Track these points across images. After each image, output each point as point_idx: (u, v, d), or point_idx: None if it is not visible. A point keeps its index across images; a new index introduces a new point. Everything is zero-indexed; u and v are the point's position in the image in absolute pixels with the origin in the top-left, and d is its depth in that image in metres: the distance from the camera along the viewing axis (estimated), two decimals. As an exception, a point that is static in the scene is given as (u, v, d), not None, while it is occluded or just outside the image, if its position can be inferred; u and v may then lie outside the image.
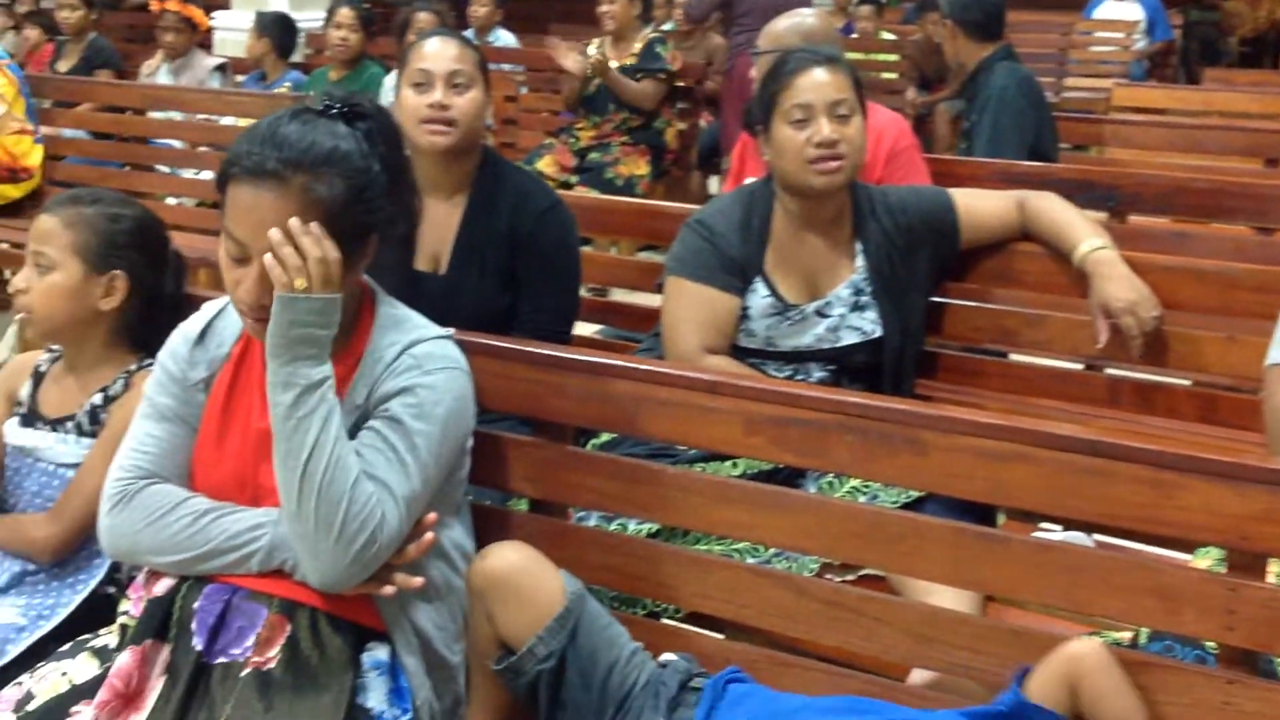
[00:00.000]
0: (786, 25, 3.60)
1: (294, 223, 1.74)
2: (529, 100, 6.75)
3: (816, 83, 2.59)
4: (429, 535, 1.85)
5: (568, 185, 5.89)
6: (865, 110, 2.65)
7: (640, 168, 6.22)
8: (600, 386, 2.04)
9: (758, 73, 3.60)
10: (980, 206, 2.76)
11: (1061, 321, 2.72)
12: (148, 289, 2.27)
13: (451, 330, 1.99)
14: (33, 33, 7.97)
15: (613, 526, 2.34)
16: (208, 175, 5.66)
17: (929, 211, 2.73)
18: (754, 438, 1.92)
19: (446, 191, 2.72)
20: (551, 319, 2.75)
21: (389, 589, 1.83)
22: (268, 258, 1.74)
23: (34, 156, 5.45)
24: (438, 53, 2.69)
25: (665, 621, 2.16)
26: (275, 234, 1.73)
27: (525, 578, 1.93)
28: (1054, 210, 2.71)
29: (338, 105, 1.87)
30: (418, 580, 1.85)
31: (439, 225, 2.70)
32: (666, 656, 1.93)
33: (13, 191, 5.41)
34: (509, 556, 1.95)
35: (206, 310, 2.03)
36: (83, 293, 2.21)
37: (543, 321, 2.72)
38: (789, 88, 2.61)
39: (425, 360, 1.89)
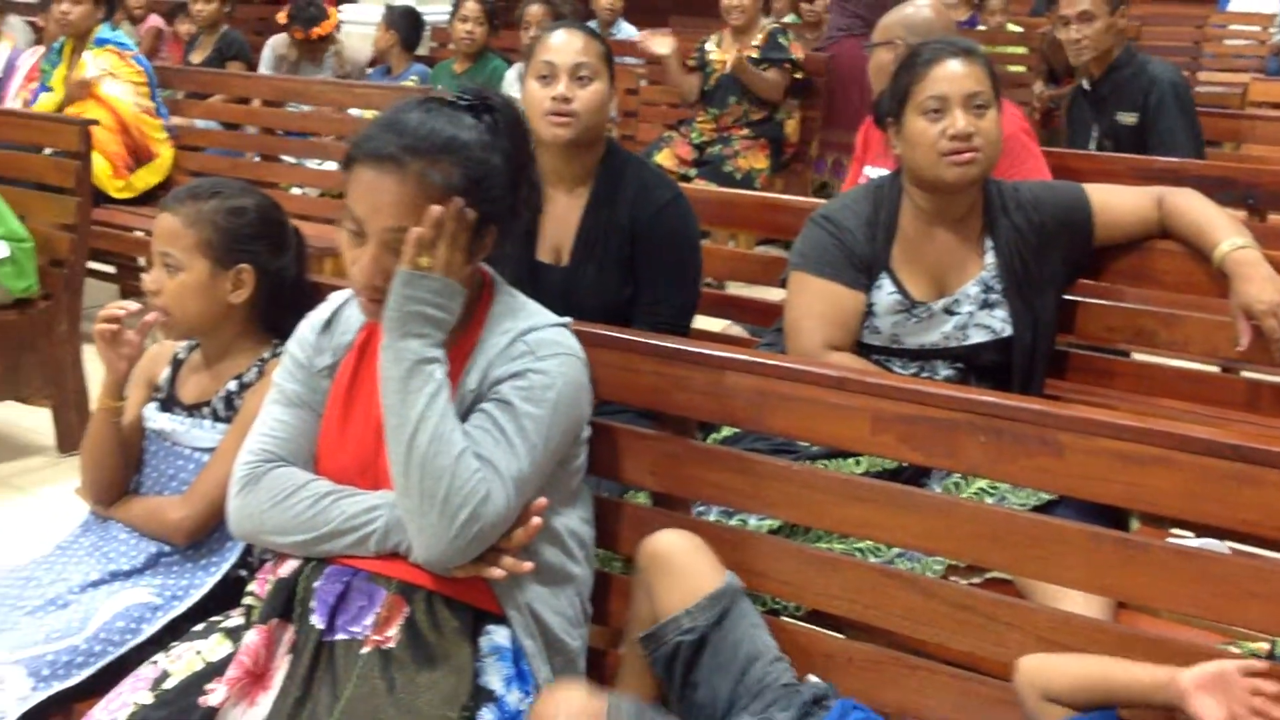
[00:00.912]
0: (898, 18, 3.54)
1: (434, 209, 1.79)
2: (649, 93, 6.74)
3: (952, 74, 2.54)
4: (536, 520, 1.86)
5: (686, 178, 5.88)
6: (1000, 103, 2.59)
7: (759, 161, 6.20)
8: (724, 381, 2.03)
9: (874, 65, 3.56)
10: (1116, 203, 2.68)
11: (1199, 322, 2.64)
12: (273, 276, 2.30)
13: (568, 319, 2.00)
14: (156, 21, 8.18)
15: (732, 522, 2.33)
16: (332, 166, 5.76)
17: (1063, 208, 2.66)
18: (882, 435, 1.89)
19: (569, 183, 2.73)
20: (671, 312, 2.74)
21: (498, 572, 1.84)
22: (412, 231, 1.79)
23: (163, 142, 5.60)
24: (562, 45, 2.70)
25: (785, 619, 2.14)
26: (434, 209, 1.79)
27: (687, 558, 1.95)
28: (1194, 207, 2.63)
29: (466, 98, 1.91)
30: (527, 565, 1.86)
31: (561, 217, 2.72)
32: (809, 677, 1.93)
33: (147, 176, 5.56)
34: (675, 538, 1.98)
35: (333, 299, 2.07)
36: (212, 289, 2.24)
37: (662, 314, 2.72)
38: (924, 79, 2.56)
39: (538, 346, 1.90)
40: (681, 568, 1.94)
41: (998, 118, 2.57)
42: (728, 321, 3.53)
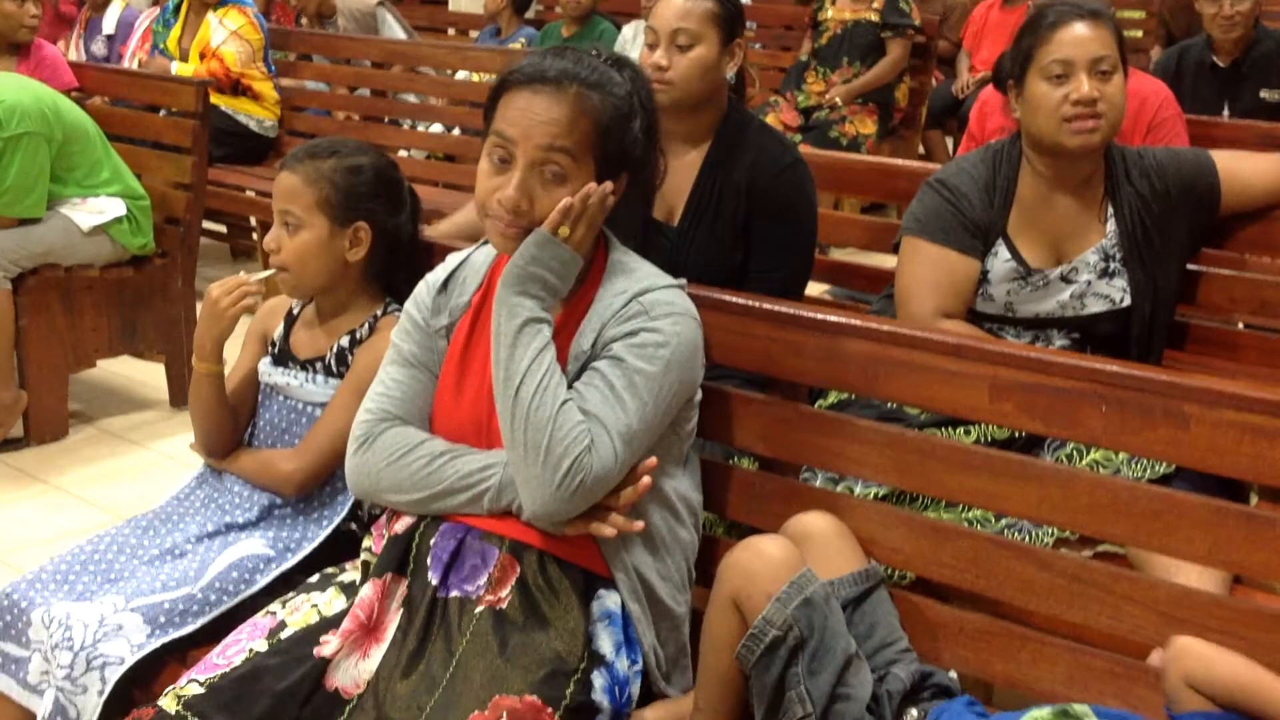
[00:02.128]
0: None
1: (592, 185, 1.84)
2: (756, 57, 6.68)
3: (1078, 37, 2.47)
4: (645, 480, 1.85)
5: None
6: (1126, 69, 2.52)
7: (867, 126, 6.12)
8: (839, 346, 2.00)
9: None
10: (1245, 170, 2.60)
11: (1329, 294, 2.56)
12: (389, 234, 2.32)
13: (683, 280, 1.99)
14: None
15: (839, 489, 2.31)
16: (439, 129, 5.80)
17: (1189, 175, 2.59)
18: (1001, 404, 1.85)
19: (684, 144, 2.69)
20: (785, 278, 2.71)
21: (608, 529, 1.83)
22: (565, 201, 1.83)
23: (269, 91, 5.69)
24: (661, 9, 2.68)
25: (892, 587, 2.11)
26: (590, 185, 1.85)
27: (837, 539, 1.95)
28: (1328, 176, 2.54)
29: (604, 53, 1.95)
30: (638, 524, 1.86)
31: (675, 176, 2.68)
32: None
33: (255, 108, 5.65)
34: (822, 520, 1.98)
35: (450, 260, 2.07)
36: (331, 247, 2.26)
37: (776, 280, 2.69)
38: (1048, 42, 2.50)
39: (653, 307, 1.89)
40: (828, 550, 1.92)
41: (1123, 83, 2.50)
42: (825, 286, 3.49)
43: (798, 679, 1.75)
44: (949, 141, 6.97)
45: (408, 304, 2.06)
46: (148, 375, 4.59)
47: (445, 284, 2.04)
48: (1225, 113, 4.36)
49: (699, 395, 2.00)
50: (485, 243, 2.07)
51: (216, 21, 5.59)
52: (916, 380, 1.93)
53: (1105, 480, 1.86)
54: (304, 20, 6.84)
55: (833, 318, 2.03)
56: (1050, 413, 1.82)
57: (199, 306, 4.43)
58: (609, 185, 1.87)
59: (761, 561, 1.83)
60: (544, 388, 1.80)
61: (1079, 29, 2.48)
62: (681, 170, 2.68)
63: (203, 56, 5.58)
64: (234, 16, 5.60)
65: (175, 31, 5.74)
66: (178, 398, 4.45)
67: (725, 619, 1.85)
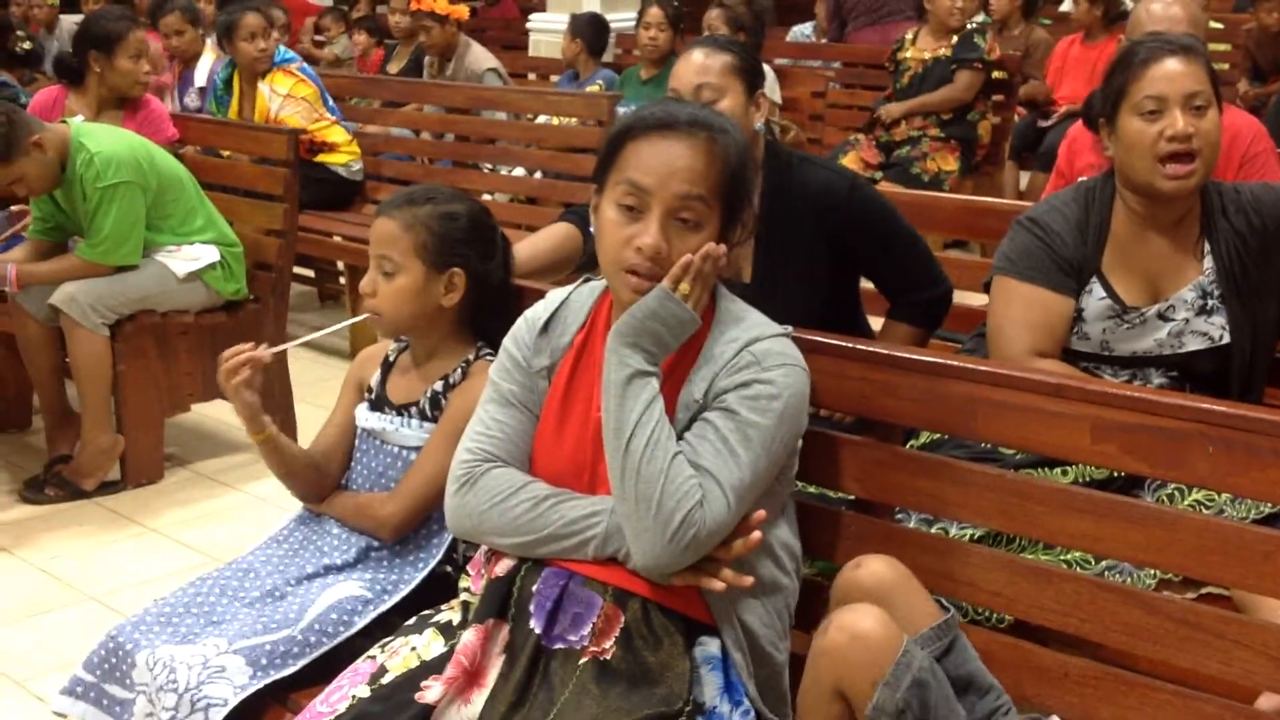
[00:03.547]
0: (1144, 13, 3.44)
1: (711, 246, 1.85)
2: (836, 96, 6.69)
3: (1171, 73, 2.45)
4: (756, 534, 1.84)
5: (873, 181, 5.81)
6: (1221, 104, 2.49)
7: (949, 163, 6.09)
8: (936, 387, 1.99)
9: None
10: (1345, 204, 2.56)
11: None
12: (482, 279, 2.34)
13: (790, 328, 1.98)
14: (361, 38, 8.43)
15: (933, 530, 2.29)
16: (521, 172, 5.86)
17: (1286, 209, 2.55)
18: (1103, 445, 1.82)
19: None
20: (927, 282, 2.77)
21: (718, 584, 1.82)
22: (687, 257, 1.83)
23: (340, 135, 5.76)
24: (681, 68, 2.68)
25: (993, 632, 2.08)
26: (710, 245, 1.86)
27: (905, 590, 1.90)
28: None
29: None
30: (748, 579, 1.84)
31: None
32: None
33: (336, 157, 5.75)
34: (887, 567, 1.92)
35: (552, 299, 2.08)
36: (427, 292, 2.29)
37: (922, 288, 2.76)
38: (1141, 78, 2.47)
39: (765, 357, 1.88)
40: (900, 598, 1.88)
41: (1218, 119, 2.47)
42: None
43: None
44: (1024, 176, 6.92)
45: (506, 342, 2.07)
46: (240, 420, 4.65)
47: (547, 324, 2.04)
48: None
49: (800, 442, 2.00)
50: (585, 281, 2.08)
51: (269, 90, 5.68)
52: (1017, 421, 1.91)
53: (1212, 522, 1.83)
54: (429, 59, 6.92)
55: (931, 358, 2.02)
56: (1154, 454, 1.79)
57: (295, 351, 4.55)
58: (724, 248, 1.88)
59: (861, 646, 1.77)
60: (655, 441, 1.80)
61: (1171, 64, 2.46)
62: None
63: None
64: (280, 80, 5.68)
65: (234, 106, 5.84)
66: (269, 441, 4.51)
67: (828, 710, 1.81)
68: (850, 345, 2.07)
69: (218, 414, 4.69)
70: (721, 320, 1.94)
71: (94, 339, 3.96)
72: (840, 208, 2.67)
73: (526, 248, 2.80)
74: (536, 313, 2.06)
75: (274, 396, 4.46)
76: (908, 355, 2.03)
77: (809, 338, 2.05)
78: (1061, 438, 1.88)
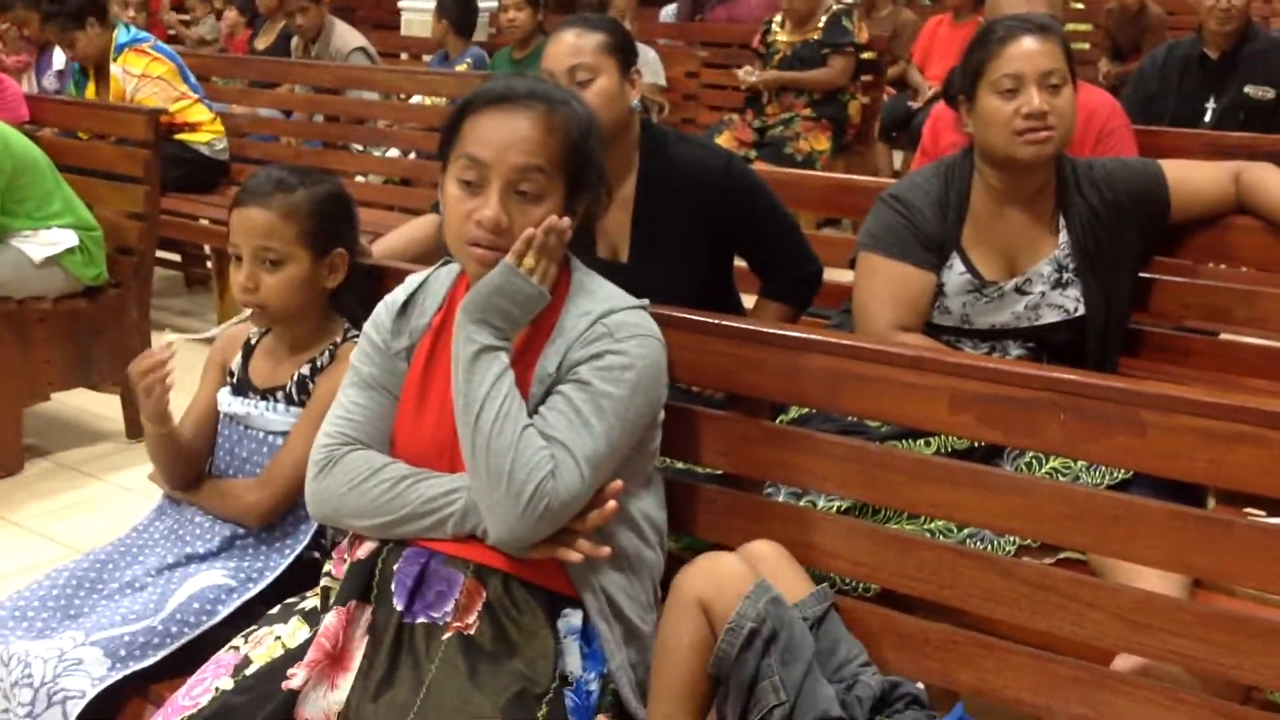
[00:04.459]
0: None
1: (554, 219, 1.84)
2: (709, 75, 6.72)
3: (1027, 51, 2.50)
4: (611, 504, 1.85)
5: (748, 160, 5.86)
6: (1075, 81, 2.55)
7: (821, 143, 6.16)
8: (799, 361, 2.01)
9: None
10: (1193, 178, 2.64)
11: (1278, 298, 2.59)
12: (355, 256, 2.32)
13: (645, 301, 1.99)
14: (231, 14, 8.25)
15: (801, 503, 2.31)
16: (394, 153, 5.79)
17: (1138, 184, 2.62)
18: (960, 415, 1.86)
19: (612, 177, 2.67)
20: (798, 261, 2.80)
21: (574, 555, 1.83)
22: (529, 231, 1.82)
23: (202, 113, 5.63)
24: (552, 50, 2.66)
25: (856, 600, 2.12)
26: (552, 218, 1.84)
27: (786, 566, 1.97)
28: (1274, 182, 2.58)
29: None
30: (605, 549, 1.85)
31: (612, 212, 2.66)
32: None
33: (200, 135, 5.61)
34: (770, 549, 2.00)
35: (410, 281, 2.06)
36: (314, 277, 2.25)
37: (793, 267, 2.78)
38: (998, 56, 2.52)
39: (618, 329, 1.89)
40: (779, 575, 1.92)
41: (1073, 96, 2.53)
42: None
43: (771, 669, 1.78)
44: (897, 156, 7.03)
45: (366, 326, 2.05)
46: (103, 407, 4.54)
47: (405, 306, 2.02)
48: (1210, 104, 4.42)
49: (662, 415, 2.00)
50: (444, 264, 2.07)
51: (122, 72, 5.50)
52: (877, 394, 1.94)
53: (1065, 488, 1.87)
54: (295, 40, 6.77)
55: (793, 333, 2.05)
56: (1009, 423, 1.83)
57: (154, 337, 4.45)
58: (568, 220, 1.87)
59: (726, 567, 1.89)
60: (504, 414, 1.80)
61: (1028, 43, 2.51)
62: (616, 205, 2.66)
63: None
64: (133, 61, 5.50)
65: (90, 89, 5.67)
66: (133, 429, 4.41)
67: (689, 620, 1.87)
68: (714, 321, 2.08)
69: (79, 403, 4.57)
70: (575, 293, 1.94)
71: (-53, 327, 3.84)
72: (716, 186, 2.68)
73: (398, 239, 2.77)
74: (395, 296, 2.05)
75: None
76: (770, 330, 2.05)
77: (673, 314, 2.05)
78: (920, 409, 1.91)
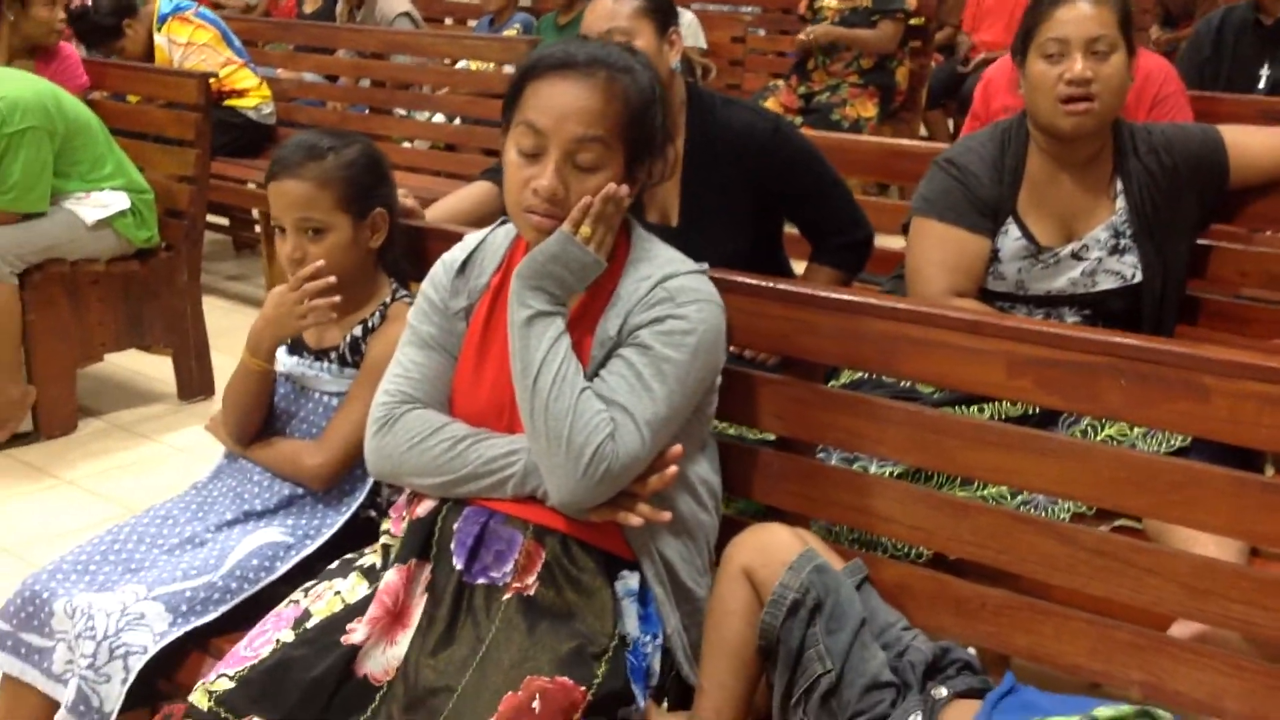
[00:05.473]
0: None
1: (611, 187, 1.83)
2: (756, 41, 6.67)
3: (1077, 15, 2.47)
4: (672, 468, 1.85)
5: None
6: (1133, 48, 2.52)
7: (868, 110, 6.12)
8: (856, 325, 2.00)
9: None
10: (1253, 144, 2.61)
11: (1338, 266, 2.56)
12: (394, 213, 2.33)
13: (705, 265, 1.99)
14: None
15: (854, 468, 2.31)
16: (440, 119, 5.79)
17: (1197, 150, 2.59)
18: (1018, 380, 1.85)
19: None
20: (848, 225, 2.77)
21: (635, 518, 1.84)
22: (585, 200, 1.82)
23: (249, 78, 5.64)
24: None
25: (911, 565, 2.12)
26: (610, 186, 1.84)
27: (814, 544, 1.95)
28: (1335, 148, 2.55)
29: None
30: (665, 514, 1.86)
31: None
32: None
33: (247, 100, 5.64)
34: (789, 534, 1.95)
35: (469, 241, 2.07)
36: (358, 240, 2.27)
37: (843, 232, 2.76)
38: (1048, 19, 2.50)
39: (679, 293, 1.88)
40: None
41: (1124, 64, 2.49)
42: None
43: (816, 638, 1.80)
44: (950, 122, 6.97)
45: (424, 285, 2.06)
46: (154, 369, 4.59)
47: (464, 265, 2.03)
48: (1265, 71, 4.36)
49: (719, 379, 2.00)
50: (502, 223, 2.07)
51: (167, 41, 5.53)
52: (934, 358, 1.93)
53: (1125, 454, 1.86)
54: (341, 5, 6.78)
55: (850, 297, 2.03)
56: (1068, 387, 1.82)
57: (204, 299, 4.48)
58: (625, 188, 1.86)
59: (772, 536, 1.91)
60: (561, 377, 1.80)
61: (1080, 6, 2.48)
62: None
63: None
64: (177, 29, 5.52)
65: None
66: (185, 390, 4.45)
67: (736, 590, 1.89)
68: (771, 285, 2.07)
69: (131, 364, 4.62)
70: (635, 258, 1.94)
71: (2, 288, 3.87)
72: (764, 149, 2.66)
73: (447, 207, 2.78)
74: (454, 255, 2.05)
75: (190, 344, 4.41)
76: (828, 294, 2.04)
77: (730, 278, 2.05)
78: (979, 373, 1.89)
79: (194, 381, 4.46)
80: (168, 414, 4.38)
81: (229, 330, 4.74)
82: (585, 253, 1.84)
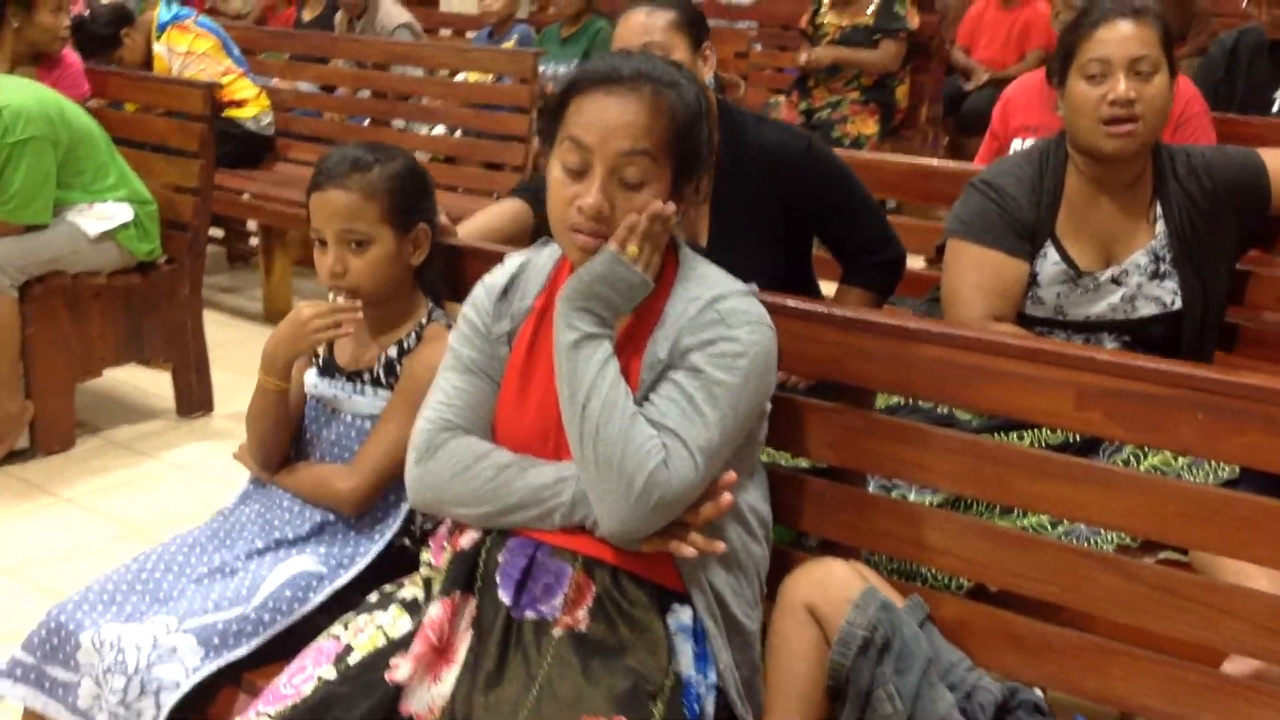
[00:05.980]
0: None
1: (658, 204, 1.78)
2: (758, 57, 6.64)
3: (1119, 36, 2.44)
4: (726, 496, 1.80)
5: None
6: (1174, 69, 2.48)
7: (869, 127, 6.10)
8: (909, 351, 1.94)
9: None
10: (1294, 168, 2.57)
11: (1380, 293, 2.53)
12: (435, 230, 2.28)
13: (754, 286, 1.93)
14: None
15: (894, 495, 2.26)
16: (441, 130, 5.73)
17: (1237, 173, 2.55)
18: (1088, 411, 1.79)
19: None
20: (880, 244, 2.73)
21: (688, 550, 1.78)
22: (631, 218, 1.77)
23: (247, 88, 5.57)
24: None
25: (960, 598, 2.06)
26: (656, 204, 1.79)
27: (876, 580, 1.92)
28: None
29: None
30: (719, 545, 1.80)
31: None
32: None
33: (246, 111, 5.57)
34: (849, 571, 1.91)
35: (510, 263, 2.01)
36: (400, 255, 2.21)
37: (874, 251, 2.72)
38: (1089, 39, 2.47)
39: (730, 315, 1.83)
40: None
41: (1166, 85, 2.46)
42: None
43: (885, 678, 1.75)
44: (945, 139, 6.94)
45: (465, 308, 2.00)
46: (153, 384, 4.51)
47: (506, 289, 1.97)
48: (1279, 95, 4.34)
49: (769, 405, 1.95)
50: (545, 243, 2.02)
51: (167, 51, 5.46)
52: (994, 386, 1.88)
53: (1192, 488, 1.82)
54: (340, 15, 6.69)
55: (903, 322, 1.98)
56: (1139, 420, 1.76)
57: (205, 314, 4.41)
58: (673, 205, 1.81)
59: (829, 571, 1.87)
60: (611, 403, 1.75)
61: (1122, 27, 2.45)
62: None
63: None
64: (176, 38, 5.47)
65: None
66: (184, 406, 4.38)
67: (801, 630, 1.84)
68: (823, 309, 2.02)
69: (131, 379, 4.54)
70: (684, 278, 1.89)
71: (2, 301, 3.79)
72: (797, 166, 2.62)
73: (479, 224, 2.73)
74: (495, 278, 1.99)
75: (190, 358, 4.33)
76: (882, 320, 1.99)
77: (780, 301, 2.00)
78: (1043, 403, 1.84)
79: (193, 397, 4.38)
80: (167, 430, 4.30)
81: (223, 344, 4.69)
82: (632, 272, 1.79)
